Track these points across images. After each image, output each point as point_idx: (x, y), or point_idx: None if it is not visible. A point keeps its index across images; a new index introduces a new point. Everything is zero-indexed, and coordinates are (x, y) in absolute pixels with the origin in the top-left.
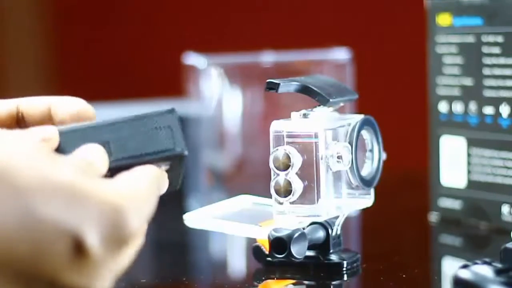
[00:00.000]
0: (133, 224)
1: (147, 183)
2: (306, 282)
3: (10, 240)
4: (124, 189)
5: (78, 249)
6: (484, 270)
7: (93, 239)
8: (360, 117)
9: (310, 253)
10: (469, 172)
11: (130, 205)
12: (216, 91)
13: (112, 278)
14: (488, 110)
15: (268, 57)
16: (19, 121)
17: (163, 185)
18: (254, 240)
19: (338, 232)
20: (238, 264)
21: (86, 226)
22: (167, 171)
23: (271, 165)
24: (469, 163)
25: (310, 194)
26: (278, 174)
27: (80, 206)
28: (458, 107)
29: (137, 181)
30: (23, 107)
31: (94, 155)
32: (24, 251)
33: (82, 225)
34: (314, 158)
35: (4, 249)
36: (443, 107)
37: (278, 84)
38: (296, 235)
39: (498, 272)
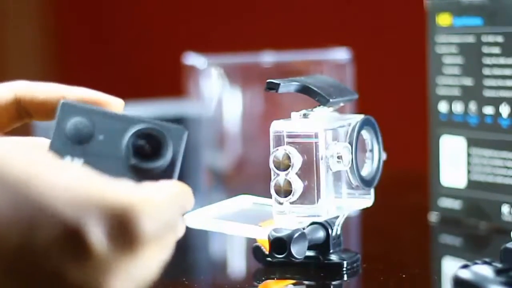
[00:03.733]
0: (144, 226)
1: (167, 194)
2: (306, 282)
3: (2, 225)
4: (139, 193)
5: (80, 244)
6: (484, 270)
7: (97, 236)
8: (360, 117)
9: (310, 253)
10: (469, 172)
11: (142, 207)
12: (216, 91)
13: (126, 282)
14: (488, 110)
15: (268, 57)
16: (19, 111)
17: (188, 202)
18: (254, 240)
19: (338, 232)
20: (238, 264)
21: (89, 222)
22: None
23: (271, 165)
24: (469, 163)
25: (310, 194)
26: (278, 174)
27: (84, 202)
28: (458, 107)
29: (157, 189)
30: (24, 96)
31: None
32: (16, 234)
33: (85, 219)
34: (314, 158)
35: None
36: (443, 107)
37: (278, 84)
38: (296, 235)
39: (498, 272)
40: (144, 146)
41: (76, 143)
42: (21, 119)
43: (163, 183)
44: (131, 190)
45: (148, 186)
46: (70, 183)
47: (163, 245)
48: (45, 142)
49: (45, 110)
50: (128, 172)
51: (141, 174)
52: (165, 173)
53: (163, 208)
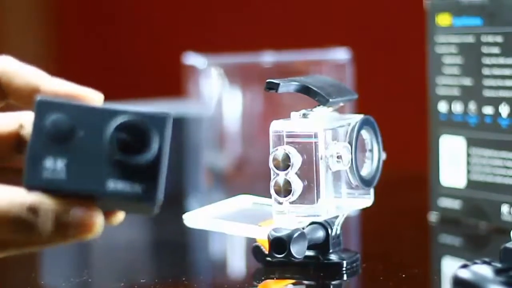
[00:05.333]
0: None
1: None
2: (306, 282)
3: None
4: None
5: None
6: (483, 270)
7: None
8: (360, 117)
9: (310, 253)
10: (468, 172)
11: None
12: (216, 91)
13: None
14: (488, 110)
15: (268, 57)
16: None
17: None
18: (254, 240)
19: (338, 232)
20: (238, 264)
21: None
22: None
23: (271, 165)
24: (468, 163)
25: (309, 194)
26: (278, 174)
27: None
28: (457, 107)
29: None
30: (2, 76)
31: None
32: None
33: None
34: (314, 158)
35: None
36: (442, 107)
37: (278, 84)
38: (296, 235)
39: (498, 272)
40: (127, 139)
41: (56, 142)
42: (1, 99)
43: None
44: None
45: None
46: None
47: None
48: None
49: (20, 95)
50: (114, 168)
51: (127, 169)
52: (152, 165)
53: None
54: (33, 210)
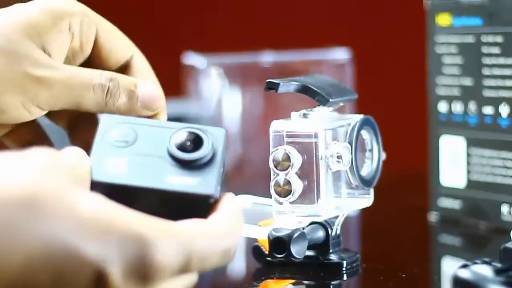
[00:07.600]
0: (160, 256)
1: (198, 220)
2: (306, 282)
3: (34, 268)
4: (156, 220)
5: (100, 281)
6: (483, 270)
7: (115, 270)
8: (360, 117)
9: (310, 253)
10: (468, 172)
11: (158, 235)
12: (216, 91)
13: None
14: (488, 110)
15: (268, 57)
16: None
17: (224, 236)
18: (254, 240)
19: (338, 232)
20: (238, 264)
21: (109, 258)
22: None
23: (271, 165)
24: (468, 163)
25: (310, 194)
26: (278, 174)
27: (105, 237)
28: (457, 107)
29: (188, 222)
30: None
31: None
32: (47, 281)
33: (106, 256)
34: (314, 158)
35: (27, 278)
36: (442, 107)
37: (278, 84)
38: (296, 235)
39: (498, 271)
40: (185, 142)
41: (119, 147)
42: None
43: (198, 219)
44: (149, 218)
45: (182, 222)
46: (88, 218)
47: (187, 277)
48: (68, 156)
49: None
50: (172, 166)
51: (184, 168)
52: (207, 167)
53: (187, 236)
54: (111, 79)
